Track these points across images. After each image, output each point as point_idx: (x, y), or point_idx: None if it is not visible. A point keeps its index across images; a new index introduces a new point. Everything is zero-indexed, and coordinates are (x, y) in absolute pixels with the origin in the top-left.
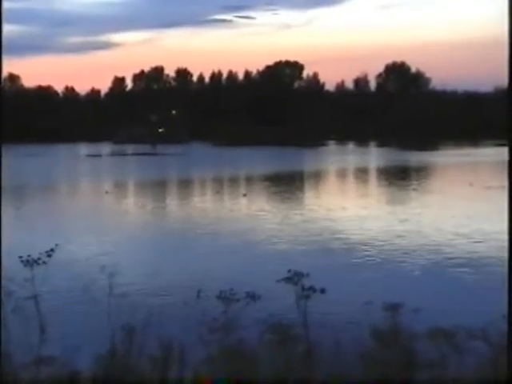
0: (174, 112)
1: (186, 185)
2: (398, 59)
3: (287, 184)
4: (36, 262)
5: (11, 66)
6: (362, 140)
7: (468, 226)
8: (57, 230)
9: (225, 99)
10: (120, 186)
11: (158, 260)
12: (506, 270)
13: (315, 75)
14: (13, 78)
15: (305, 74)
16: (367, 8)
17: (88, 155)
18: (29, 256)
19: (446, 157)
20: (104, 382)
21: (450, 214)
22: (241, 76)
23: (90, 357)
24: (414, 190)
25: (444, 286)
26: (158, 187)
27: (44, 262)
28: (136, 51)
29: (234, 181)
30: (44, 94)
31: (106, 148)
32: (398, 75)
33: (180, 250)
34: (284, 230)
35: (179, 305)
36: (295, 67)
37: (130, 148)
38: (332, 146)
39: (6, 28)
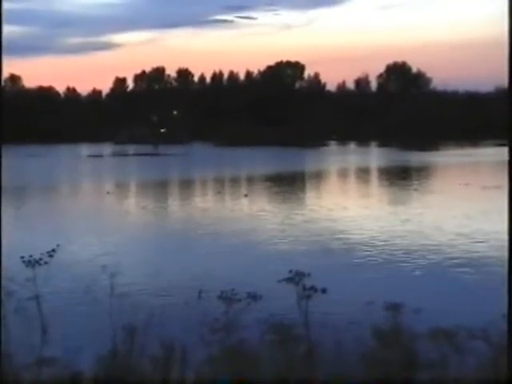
0: (175, 112)
1: (187, 185)
2: (399, 59)
3: (288, 184)
4: (37, 262)
5: (12, 66)
6: (363, 140)
7: (468, 226)
8: (58, 230)
9: (226, 99)
10: (121, 187)
11: (160, 260)
12: (506, 269)
13: (316, 75)
14: (14, 78)
15: (306, 74)
16: (368, 8)
17: (89, 156)
18: (30, 256)
19: (447, 157)
20: (105, 382)
21: (450, 214)
22: (242, 76)
23: (92, 357)
24: (415, 190)
25: (445, 286)
26: (160, 187)
27: (45, 263)
28: (137, 52)
29: (235, 181)
30: (45, 94)
31: (107, 148)
32: (399, 75)
33: (181, 251)
34: (285, 230)
35: (180, 305)
36: (296, 67)
37: (131, 148)
38: (333, 146)
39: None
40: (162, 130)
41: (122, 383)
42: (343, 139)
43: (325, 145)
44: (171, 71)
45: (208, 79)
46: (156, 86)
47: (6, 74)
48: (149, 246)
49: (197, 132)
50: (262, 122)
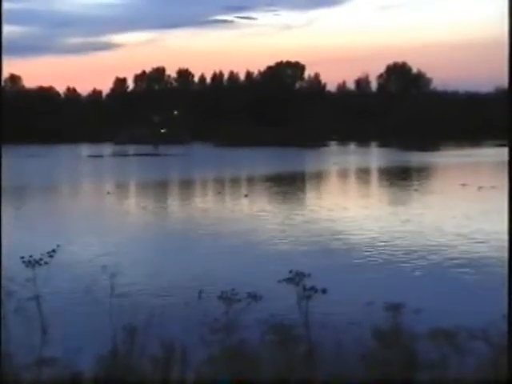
0: (175, 112)
1: (187, 185)
2: (399, 60)
3: (289, 184)
4: (38, 262)
5: (12, 66)
6: (363, 140)
7: (468, 227)
8: (58, 230)
9: (226, 100)
10: (121, 187)
11: (160, 260)
12: (506, 270)
13: (316, 76)
14: (14, 78)
15: (306, 74)
16: (368, 9)
17: (90, 156)
18: (30, 256)
19: (447, 157)
20: (106, 382)
21: (451, 214)
22: (242, 76)
23: (92, 357)
24: (415, 190)
25: (445, 286)
26: (160, 188)
27: (46, 263)
28: (137, 52)
29: (235, 181)
30: (45, 94)
31: (107, 149)
32: (399, 76)
33: (181, 251)
34: (285, 230)
35: (181, 305)
36: (296, 68)
37: (131, 149)
38: (333, 146)
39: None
40: (163, 131)
41: (122, 383)
42: (343, 139)
43: (325, 145)
44: (171, 71)
45: (208, 79)
46: (156, 87)
47: (6, 74)
48: (149, 246)
49: (197, 132)
50: (262, 123)
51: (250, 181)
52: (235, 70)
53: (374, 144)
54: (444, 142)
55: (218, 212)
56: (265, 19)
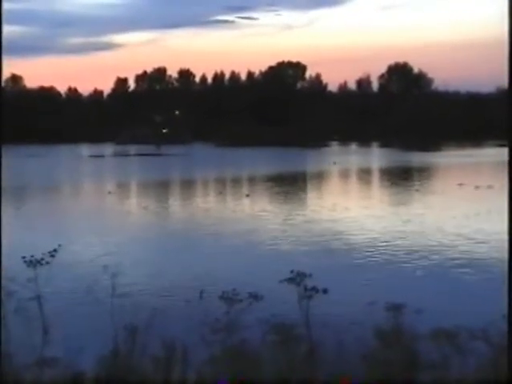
0: (177, 112)
1: (188, 185)
2: (401, 60)
3: (290, 184)
4: (39, 262)
5: (14, 66)
6: (364, 140)
7: (469, 227)
8: (59, 230)
9: (227, 100)
10: (123, 187)
11: (161, 260)
12: (506, 269)
13: (318, 76)
14: (15, 78)
15: (307, 74)
16: (369, 9)
17: (91, 156)
18: (32, 256)
19: (449, 157)
20: (107, 382)
21: (452, 214)
22: (243, 77)
23: (93, 357)
24: (417, 190)
25: (446, 286)
26: (161, 188)
27: (47, 263)
28: (138, 52)
29: (236, 181)
30: (47, 94)
31: (108, 149)
32: (401, 76)
33: (183, 251)
34: (287, 230)
35: (182, 305)
36: (298, 68)
37: (132, 148)
38: (335, 146)
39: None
40: (164, 131)
41: (123, 383)
42: (345, 140)
43: (326, 145)
44: (172, 71)
45: (209, 79)
46: (157, 87)
47: (7, 74)
48: (150, 246)
49: (198, 132)
50: (264, 123)
51: (252, 181)
52: (236, 70)
53: (375, 144)
54: (445, 142)
55: (219, 212)
56: (266, 19)
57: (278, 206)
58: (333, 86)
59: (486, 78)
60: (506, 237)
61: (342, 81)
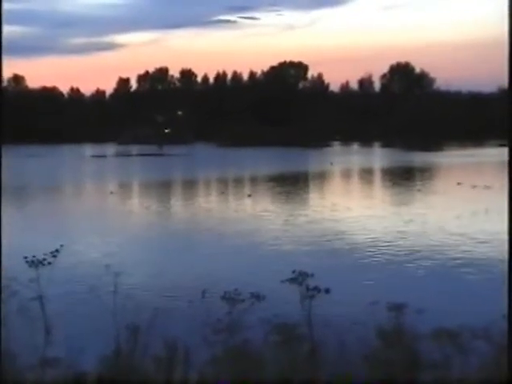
0: (179, 112)
1: (190, 185)
2: (402, 60)
3: (292, 184)
4: (41, 262)
5: (16, 66)
6: (366, 140)
7: (471, 227)
8: (61, 230)
9: (229, 100)
10: (125, 187)
11: (163, 260)
12: (506, 269)
13: (320, 76)
14: (17, 78)
15: (309, 74)
16: (371, 9)
17: (93, 156)
18: (34, 256)
19: (451, 157)
20: (109, 382)
21: (453, 214)
22: (245, 77)
23: (95, 358)
24: (419, 190)
25: (448, 286)
26: (163, 188)
27: (49, 263)
28: (140, 52)
29: (238, 181)
30: (49, 94)
31: (110, 149)
32: (403, 76)
33: (185, 251)
34: (288, 230)
35: (184, 305)
36: (300, 68)
37: (134, 149)
38: (336, 146)
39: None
40: (166, 131)
41: (125, 383)
42: (346, 139)
43: (328, 145)
44: (174, 72)
45: (211, 80)
46: (159, 87)
47: (9, 74)
48: (152, 246)
49: (200, 132)
50: (266, 123)
51: (253, 181)
52: (238, 70)
53: (377, 144)
54: (447, 142)
55: (221, 212)
56: (268, 19)
57: (279, 206)
58: (335, 86)
59: (488, 77)
60: (506, 237)
61: (343, 81)
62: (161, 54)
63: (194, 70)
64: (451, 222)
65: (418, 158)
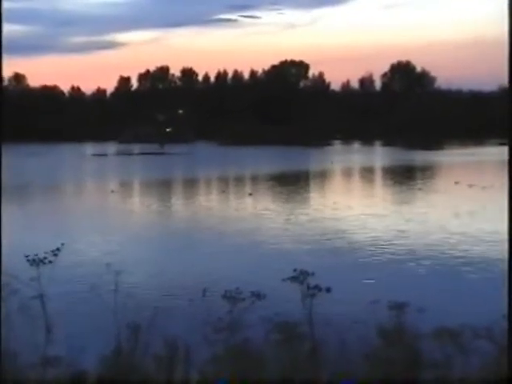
0: (181, 111)
1: (191, 184)
2: (403, 59)
3: (293, 183)
4: (42, 261)
5: (17, 65)
6: (367, 139)
7: (472, 226)
8: (62, 229)
9: (230, 99)
10: (125, 185)
11: (164, 259)
12: (506, 269)
13: (321, 75)
14: (18, 77)
15: (310, 73)
16: (372, 7)
17: (94, 154)
18: (35, 255)
19: (451, 156)
20: (109, 381)
21: (454, 213)
22: (246, 75)
23: (96, 356)
24: (419, 189)
25: (449, 284)
26: (164, 186)
27: (50, 262)
28: (141, 51)
29: (239, 180)
30: (50, 93)
31: (111, 147)
32: (403, 75)
33: (185, 250)
34: (289, 229)
35: (185, 304)
36: (301, 67)
37: (135, 147)
38: (337, 145)
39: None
40: (168, 129)
41: (125, 382)
42: (347, 138)
43: (329, 144)
44: (175, 70)
45: (212, 78)
46: (160, 86)
47: (10, 73)
48: (153, 244)
49: (201, 131)
50: (267, 122)
51: (254, 179)
52: (239, 69)
53: (378, 143)
54: (448, 140)
55: (222, 211)
56: (269, 18)
57: (280, 205)
58: (335, 85)
59: (489, 76)
60: (506, 236)
61: (344, 79)
62: (162, 52)
63: (195, 68)
64: (452, 221)
65: (419, 157)
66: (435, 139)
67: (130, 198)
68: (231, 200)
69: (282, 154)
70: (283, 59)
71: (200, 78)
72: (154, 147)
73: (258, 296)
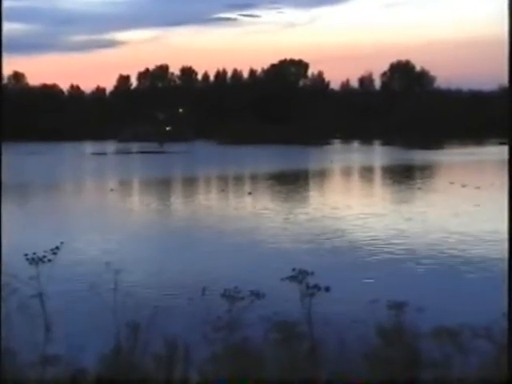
0: (181, 110)
1: (190, 183)
2: (403, 58)
3: (292, 182)
4: (41, 259)
5: (16, 64)
6: (366, 139)
7: (471, 225)
8: (62, 227)
9: (230, 98)
10: (125, 184)
11: (163, 258)
12: (506, 269)
13: (320, 74)
14: (18, 76)
15: (310, 72)
16: (371, 6)
17: (93, 153)
18: (34, 254)
19: (451, 155)
20: (108, 380)
21: (454, 212)
22: (246, 74)
23: (95, 355)
24: (419, 188)
25: (449, 284)
26: (163, 185)
27: (49, 260)
28: (141, 49)
29: (238, 179)
30: (49, 92)
31: (110, 146)
32: (403, 74)
33: (185, 248)
34: (289, 228)
35: (184, 303)
36: (300, 66)
37: (135, 146)
38: (337, 144)
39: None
40: (168, 128)
41: (125, 381)
42: (347, 138)
43: (328, 143)
44: (175, 69)
45: (212, 77)
46: (160, 84)
47: (9, 71)
48: (152, 243)
49: (200, 130)
50: (266, 121)
51: (254, 179)
52: (239, 68)
53: (377, 142)
54: (447, 140)
55: (221, 210)
56: (268, 17)
57: (280, 204)
58: (335, 84)
59: (488, 75)
60: (505, 235)
61: (344, 79)
62: (161, 51)
63: (195, 67)
64: (451, 220)
65: (419, 156)
66: (435, 139)
67: (130, 197)
68: (230, 199)
69: (281, 153)
70: (283, 58)
71: (199, 76)
72: (153, 146)
73: (257, 295)
